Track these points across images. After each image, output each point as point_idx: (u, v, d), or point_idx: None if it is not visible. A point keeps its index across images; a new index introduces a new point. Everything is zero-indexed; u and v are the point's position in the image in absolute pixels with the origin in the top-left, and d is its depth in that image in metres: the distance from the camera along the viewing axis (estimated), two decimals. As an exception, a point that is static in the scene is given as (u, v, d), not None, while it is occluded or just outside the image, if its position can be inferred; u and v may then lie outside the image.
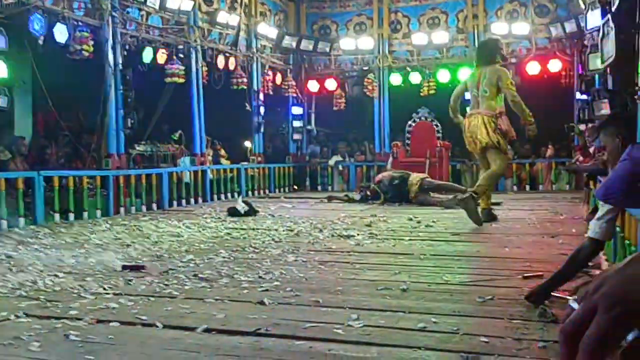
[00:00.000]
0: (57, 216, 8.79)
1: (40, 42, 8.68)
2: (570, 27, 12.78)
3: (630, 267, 0.74)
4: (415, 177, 10.81)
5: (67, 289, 4.25)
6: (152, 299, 3.94)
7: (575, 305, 0.75)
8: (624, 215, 3.74)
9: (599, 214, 3.59)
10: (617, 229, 3.87)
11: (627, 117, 3.82)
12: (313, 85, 15.58)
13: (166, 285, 4.34)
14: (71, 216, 8.98)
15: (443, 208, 9.84)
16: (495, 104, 8.11)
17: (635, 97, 3.50)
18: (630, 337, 0.73)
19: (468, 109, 8.63)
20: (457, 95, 8.72)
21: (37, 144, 11.51)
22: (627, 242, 3.73)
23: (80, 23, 9.36)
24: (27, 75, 10.52)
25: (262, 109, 14.08)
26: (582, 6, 9.84)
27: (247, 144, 14.32)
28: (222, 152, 13.98)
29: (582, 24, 10.67)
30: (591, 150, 8.40)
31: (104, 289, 4.23)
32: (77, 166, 10.62)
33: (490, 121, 8.05)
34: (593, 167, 7.12)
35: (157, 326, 3.28)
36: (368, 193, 11.15)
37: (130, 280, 4.49)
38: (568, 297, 3.77)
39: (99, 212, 9.45)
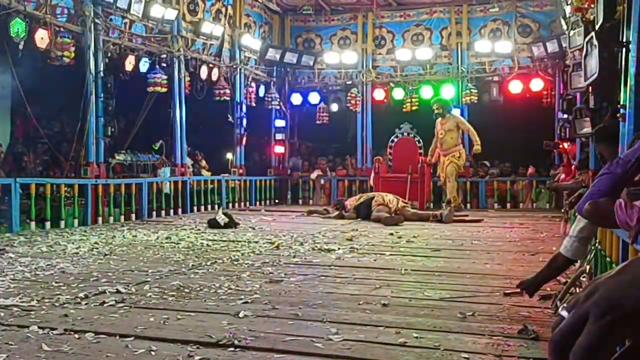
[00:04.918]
0: (33, 224, 8.66)
1: (20, 47, 8.58)
2: (552, 47, 12.97)
3: (623, 274, 0.71)
4: (378, 199, 10.72)
5: (41, 298, 4.15)
6: (128, 309, 3.86)
7: (565, 314, 0.72)
8: (604, 231, 3.74)
9: (572, 231, 3.54)
10: (599, 246, 3.87)
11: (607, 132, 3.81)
12: (296, 98, 15.59)
13: (143, 296, 4.26)
14: (47, 225, 8.85)
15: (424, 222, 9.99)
16: None
17: (618, 115, 3.52)
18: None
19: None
20: None
21: (15, 150, 11.36)
22: (607, 259, 3.73)
23: (62, 29, 9.29)
24: (6, 80, 10.39)
25: (244, 121, 14.04)
26: (564, 27, 9.96)
27: (229, 155, 14.26)
28: (203, 163, 13.91)
29: (564, 44, 10.80)
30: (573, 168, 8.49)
31: (79, 298, 4.14)
32: (55, 174, 10.48)
33: None
34: (574, 185, 7.17)
35: (132, 337, 3.20)
36: (344, 212, 11.07)
37: (105, 291, 4.40)
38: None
39: (76, 221, 9.33)
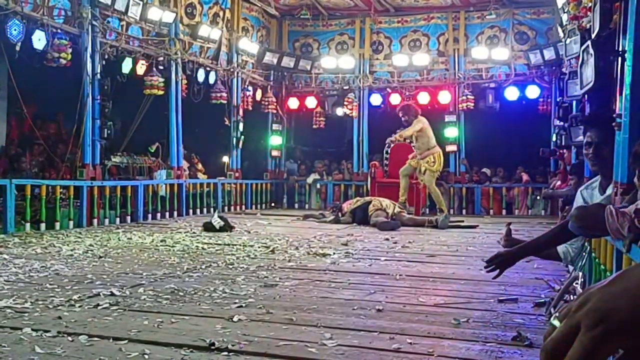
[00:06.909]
0: (28, 226, 8.63)
1: (17, 48, 8.57)
2: (549, 54, 13.01)
3: (615, 285, 0.71)
4: (376, 204, 10.72)
5: (35, 300, 4.14)
6: (122, 312, 3.85)
7: (557, 323, 0.73)
8: (599, 239, 3.74)
9: None
10: (593, 254, 3.88)
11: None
12: (293, 103, 15.61)
13: (137, 299, 4.25)
14: (42, 226, 8.83)
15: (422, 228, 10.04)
16: None
17: (614, 124, 3.53)
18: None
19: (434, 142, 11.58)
20: None
21: (10, 151, 11.32)
22: (602, 267, 3.74)
23: (59, 30, 9.28)
24: (3, 81, 10.37)
25: (241, 125, 14.04)
26: (561, 35, 10.00)
27: (225, 159, 14.25)
28: (200, 166, 13.90)
29: (561, 52, 10.84)
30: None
31: (73, 301, 4.13)
32: (51, 175, 10.46)
33: None
34: (568, 192, 7.19)
35: (126, 340, 3.20)
36: (340, 215, 11.06)
37: (99, 293, 4.39)
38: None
39: (71, 223, 9.31)
